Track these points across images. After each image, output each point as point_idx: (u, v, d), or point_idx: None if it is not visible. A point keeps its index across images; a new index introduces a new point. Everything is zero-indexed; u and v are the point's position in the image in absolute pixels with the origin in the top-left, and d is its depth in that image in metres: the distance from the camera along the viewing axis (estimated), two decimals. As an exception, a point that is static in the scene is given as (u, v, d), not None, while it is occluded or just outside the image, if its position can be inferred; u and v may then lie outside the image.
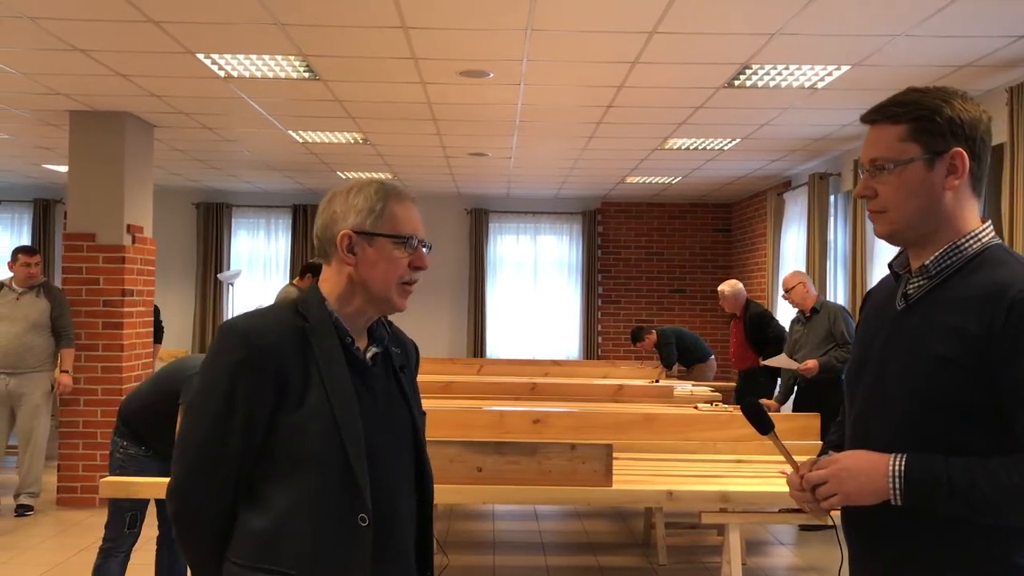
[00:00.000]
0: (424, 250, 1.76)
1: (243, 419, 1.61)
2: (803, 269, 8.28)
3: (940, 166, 1.61)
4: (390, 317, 1.85)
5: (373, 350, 1.77)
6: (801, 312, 6.29)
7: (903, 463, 1.54)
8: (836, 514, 1.74)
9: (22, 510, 6.12)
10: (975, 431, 1.54)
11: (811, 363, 5.95)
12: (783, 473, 3.98)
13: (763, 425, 1.85)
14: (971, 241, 1.62)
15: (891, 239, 1.69)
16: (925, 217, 1.63)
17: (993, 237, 1.64)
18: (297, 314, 1.69)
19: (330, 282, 1.74)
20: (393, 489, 1.71)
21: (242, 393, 1.61)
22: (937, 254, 1.63)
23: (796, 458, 1.75)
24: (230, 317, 1.70)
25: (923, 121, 1.61)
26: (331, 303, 1.72)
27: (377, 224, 1.71)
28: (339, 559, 1.61)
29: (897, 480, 1.54)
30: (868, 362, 1.71)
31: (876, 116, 1.67)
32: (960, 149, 1.60)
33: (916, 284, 1.66)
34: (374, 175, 9.48)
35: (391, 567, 1.69)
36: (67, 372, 6.26)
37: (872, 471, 1.56)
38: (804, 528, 5.88)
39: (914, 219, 1.64)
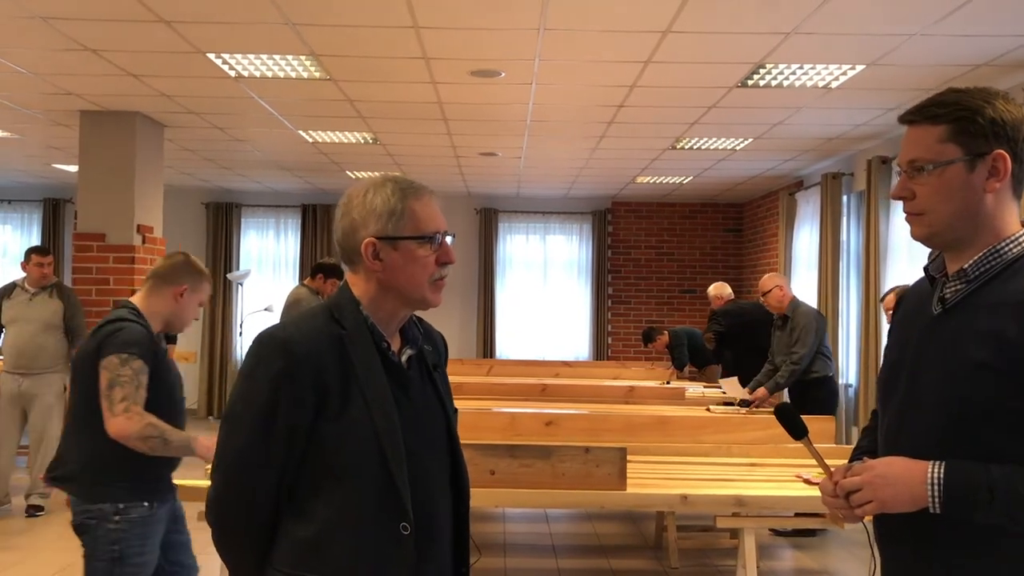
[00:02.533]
0: (448, 241, 1.73)
1: (283, 429, 1.59)
2: (815, 270, 8.25)
3: (981, 168, 1.57)
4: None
5: (408, 352, 1.76)
6: (778, 316, 6.26)
7: (942, 470, 1.51)
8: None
9: (33, 511, 6.12)
10: (1014, 438, 1.50)
11: (760, 392, 6.04)
12: (798, 477, 3.95)
13: (797, 430, 1.81)
14: (1011, 245, 1.59)
15: (928, 242, 1.66)
16: (964, 220, 1.59)
17: None
18: (332, 320, 1.67)
19: (360, 287, 1.72)
20: (432, 493, 1.70)
21: (282, 403, 1.59)
22: (976, 258, 1.59)
23: (829, 463, 1.72)
24: (268, 328, 1.67)
25: (964, 122, 1.57)
26: (364, 307, 1.70)
27: (399, 227, 1.68)
28: (383, 568, 1.61)
29: (936, 487, 1.50)
30: (902, 367, 1.67)
31: (915, 116, 1.63)
32: (1002, 151, 1.57)
33: (953, 288, 1.62)
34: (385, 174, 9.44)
35: (429, 567, 1.68)
36: None
37: (910, 478, 1.53)
38: (776, 532, 5.84)
39: (953, 222, 1.60)
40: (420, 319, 1.85)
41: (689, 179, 9.45)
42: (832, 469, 1.69)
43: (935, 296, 1.66)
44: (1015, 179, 1.60)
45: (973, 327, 1.56)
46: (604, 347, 11.21)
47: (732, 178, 9.38)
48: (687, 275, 11.40)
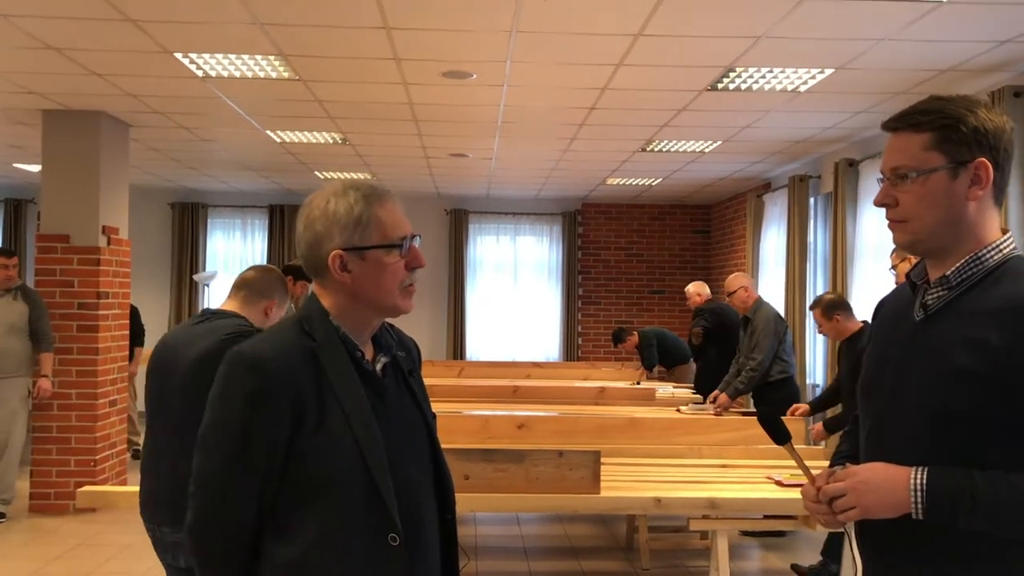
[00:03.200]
0: (416, 245, 1.70)
1: (261, 450, 1.55)
2: (783, 271, 8.32)
3: (964, 176, 1.59)
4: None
5: (382, 360, 1.73)
6: (742, 317, 6.32)
7: (925, 476, 1.52)
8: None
9: None
10: (996, 444, 1.52)
11: (721, 399, 5.98)
12: (769, 478, 3.98)
13: (780, 435, 1.82)
14: (992, 252, 1.61)
15: (911, 249, 1.67)
16: (947, 227, 1.61)
17: (1014, 248, 1.63)
18: (303, 333, 1.63)
19: (329, 298, 1.68)
20: (418, 501, 1.67)
21: (258, 423, 1.55)
22: (958, 265, 1.61)
23: (812, 469, 1.72)
24: (236, 346, 1.63)
25: (947, 130, 1.59)
26: (335, 317, 1.66)
27: (366, 236, 1.64)
28: None
29: (919, 493, 1.51)
30: (884, 372, 1.69)
31: (898, 124, 1.65)
32: (984, 159, 1.58)
33: (936, 295, 1.64)
34: (353, 175, 9.40)
35: None
36: (46, 376, 6.13)
37: (893, 484, 1.54)
38: (746, 533, 5.88)
39: (936, 229, 1.61)
40: (392, 325, 1.82)
41: (659, 181, 9.49)
42: (814, 475, 1.69)
43: (917, 302, 1.67)
44: (996, 187, 1.62)
45: (955, 334, 1.57)
46: (574, 348, 11.24)
47: (701, 180, 9.43)
48: (656, 276, 11.46)
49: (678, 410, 6.01)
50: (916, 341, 1.64)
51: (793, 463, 1.77)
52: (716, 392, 6.08)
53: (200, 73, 5.37)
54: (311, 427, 1.57)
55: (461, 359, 10.77)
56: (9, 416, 5.99)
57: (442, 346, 11.17)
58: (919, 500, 1.52)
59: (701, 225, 11.50)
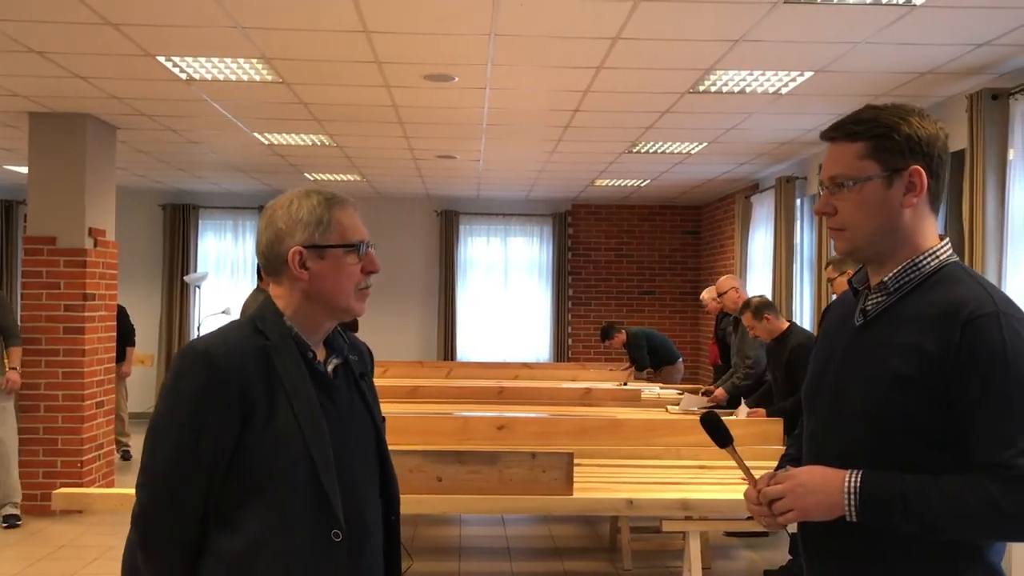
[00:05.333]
0: (372, 251, 1.75)
1: (208, 443, 1.59)
2: (770, 272, 8.35)
3: (898, 184, 1.62)
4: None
5: (334, 361, 1.77)
6: (734, 318, 6.38)
7: (859, 479, 1.55)
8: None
9: (12, 520, 6.01)
10: (931, 449, 1.55)
11: (718, 393, 6.13)
12: (744, 479, 4.00)
13: (721, 438, 1.85)
14: (929, 258, 1.63)
15: (851, 256, 1.71)
16: (884, 234, 1.64)
17: (951, 255, 1.65)
18: (257, 332, 1.68)
19: (284, 298, 1.72)
20: (362, 501, 1.71)
21: (206, 417, 1.59)
22: (896, 271, 1.64)
23: (754, 472, 1.75)
24: (192, 339, 1.67)
25: (881, 139, 1.62)
26: (289, 317, 1.70)
27: (326, 236, 1.70)
28: None
29: (852, 496, 1.54)
30: (826, 377, 1.72)
31: (835, 134, 1.68)
32: (918, 167, 1.61)
33: (875, 300, 1.66)
34: (343, 177, 9.43)
35: (361, 575, 1.69)
36: (15, 369, 6.07)
37: (828, 487, 1.57)
38: (729, 533, 5.91)
39: (873, 236, 1.64)
40: (345, 330, 1.85)
41: (647, 182, 9.51)
42: (756, 477, 1.72)
43: (858, 308, 1.70)
44: (932, 194, 1.64)
45: (893, 339, 1.60)
46: (564, 348, 11.26)
47: (689, 181, 9.46)
48: (646, 276, 11.48)
49: (667, 409, 6.06)
50: (856, 346, 1.67)
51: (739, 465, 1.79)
52: (713, 387, 6.20)
53: (184, 76, 5.39)
54: (260, 423, 1.61)
55: (452, 360, 10.80)
56: None
57: (433, 346, 11.19)
58: (852, 503, 1.54)
59: (691, 226, 11.53)
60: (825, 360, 1.75)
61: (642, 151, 7.65)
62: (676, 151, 7.65)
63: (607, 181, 9.53)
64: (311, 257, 1.69)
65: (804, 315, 7.92)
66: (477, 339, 11.30)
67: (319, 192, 1.74)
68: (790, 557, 5.12)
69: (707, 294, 7.66)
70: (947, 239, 1.68)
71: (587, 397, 6.51)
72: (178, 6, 4.19)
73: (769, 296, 8.13)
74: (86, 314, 6.54)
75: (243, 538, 1.61)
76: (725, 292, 6.39)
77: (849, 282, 1.77)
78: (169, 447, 1.61)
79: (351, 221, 1.73)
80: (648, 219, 11.49)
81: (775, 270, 8.13)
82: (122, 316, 7.73)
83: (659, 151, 7.65)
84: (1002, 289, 4.92)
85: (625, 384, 7.55)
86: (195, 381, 1.60)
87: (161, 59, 5.05)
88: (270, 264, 1.73)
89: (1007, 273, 4.80)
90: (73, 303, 6.50)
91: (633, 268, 11.47)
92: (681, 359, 8.96)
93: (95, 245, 6.67)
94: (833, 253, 7.05)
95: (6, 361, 6.10)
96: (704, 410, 6.02)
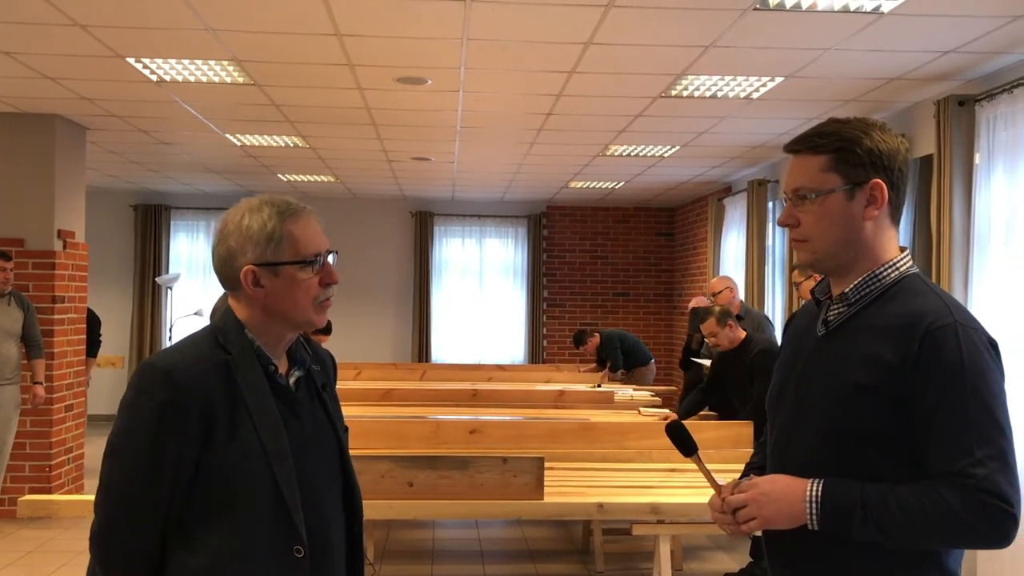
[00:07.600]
0: (331, 260, 1.71)
1: (168, 460, 1.56)
2: (742, 273, 8.40)
3: (860, 197, 1.64)
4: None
5: (296, 374, 1.75)
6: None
7: (820, 488, 1.57)
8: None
9: None
10: (889, 458, 1.57)
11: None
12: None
13: (686, 447, 1.87)
14: (889, 270, 1.66)
15: (813, 267, 1.73)
16: (845, 246, 1.66)
17: (911, 266, 1.68)
18: (217, 346, 1.65)
19: (244, 312, 1.70)
20: (325, 514, 1.70)
21: (166, 434, 1.56)
22: (856, 282, 1.66)
23: (718, 480, 1.77)
24: (151, 355, 1.64)
25: (843, 152, 1.64)
26: (250, 330, 1.68)
27: (279, 252, 1.65)
28: None
29: (813, 505, 1.56)
30: (789, 386, 1.74)
31: (798, 146, 1.70)
32: (879, 180, 1.64)
33: (836, 311, 1.69)
34: (317, 179, 9.38)
35: None
36: (40, 383, 6.01)
37: (790, 496, 1.59)
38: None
39: (835, 248, 1.67)
40: (308, 339, 1.84)
41: (621, 184, 9.55)
42: (720, 486, 1.74)
43: (820, 318, 1.72)
44: (892, 207, 1.67)
45: (853, 350, 1.62)
46: (539, 350, 11.28)
47: (663, 183, 9.51)
48: (621, 278, 11.52)
49: (639, 411, 6.08)
50: (817, 356, 1.69)
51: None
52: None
53: (154, 78, 5.35)
54: (221, 440, 1.59)
55: (426, 361, 10.78)
56: (3, 424, 5.88)
57: (407, 348, 11.17)
58: (813, 511, 1.57)
59: (665, 227, 11.58)
60: (788, 369, 1.77)
61: (616, 154, 7.68)
62: (649, 154, 7.69)
63: (582, 183, 9.56)
64: (264, 275, 1.65)
65: (776, 316, 7.97)
66: (452, 340, 11.29)
67: (271, 203, 1.68)
68: (751, 559, 5.17)
69: (697, 302, 7.69)
70: (907, 251, 1.70)
71: (560, 399, 6.53)
72: (148, 8, 4.16)
73: (742, 296, 8.21)
74: (55, 317, 6.47)
75: (205, 555, 1.59)
76: (719, 292, 6.38)
77: (812, 292, 1.80)
78: (128, 465, 1.58)
79: (305, 233, 1.67)
80: (623, 221, 11.54)
81: (747, 272, 8.19)
82: (92, 324, 7.57)
83: (633, 154, 7.68)
84: (968, 291, 5.00)
85: (599, 386, 7.58)
86: (154, 398, 1.57)
87: (131, 60, 5.00)
88: (226, 281, 1.70)
89: (973, 276, 4.87)
90: (42, 306, 6.41)
91: (608, 270, 11.51)
92: (653, 360, 9.01)
93: (64, 247, 6.60)
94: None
95: (30, 374, 6.01)
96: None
